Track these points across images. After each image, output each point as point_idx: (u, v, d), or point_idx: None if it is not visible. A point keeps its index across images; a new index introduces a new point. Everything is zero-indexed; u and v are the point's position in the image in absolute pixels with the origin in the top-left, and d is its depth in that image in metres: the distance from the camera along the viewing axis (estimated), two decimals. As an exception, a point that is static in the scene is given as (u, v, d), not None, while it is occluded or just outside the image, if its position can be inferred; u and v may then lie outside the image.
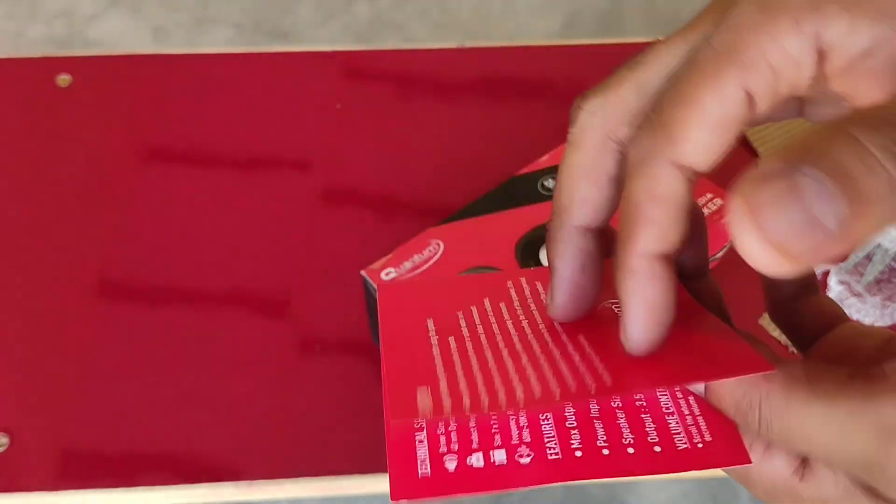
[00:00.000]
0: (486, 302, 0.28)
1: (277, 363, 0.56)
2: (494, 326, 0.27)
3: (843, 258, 0.23)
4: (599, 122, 0.24)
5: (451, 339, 0.26)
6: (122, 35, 1.44)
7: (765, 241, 0.17)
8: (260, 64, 0.69)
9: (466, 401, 0.24)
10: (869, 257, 0.59)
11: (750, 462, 0.23)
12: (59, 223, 0.61)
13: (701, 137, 0.21)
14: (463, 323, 0.27)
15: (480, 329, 0.27)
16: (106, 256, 0.60)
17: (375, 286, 0.48)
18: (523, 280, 0.29)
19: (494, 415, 0.24)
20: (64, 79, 0.67)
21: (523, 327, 0.27)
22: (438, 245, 0.49)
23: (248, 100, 0.67)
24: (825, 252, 0.17)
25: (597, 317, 0.27)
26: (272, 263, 0.60)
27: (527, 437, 0.24)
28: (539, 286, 0.29)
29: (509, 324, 0.27)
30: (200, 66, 0.69)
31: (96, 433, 0.53)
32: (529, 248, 0.49)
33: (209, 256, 0.60)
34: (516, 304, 0.28)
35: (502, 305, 0.28)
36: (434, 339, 0.26)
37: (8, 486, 0.52)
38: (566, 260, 0.25)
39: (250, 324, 0.57)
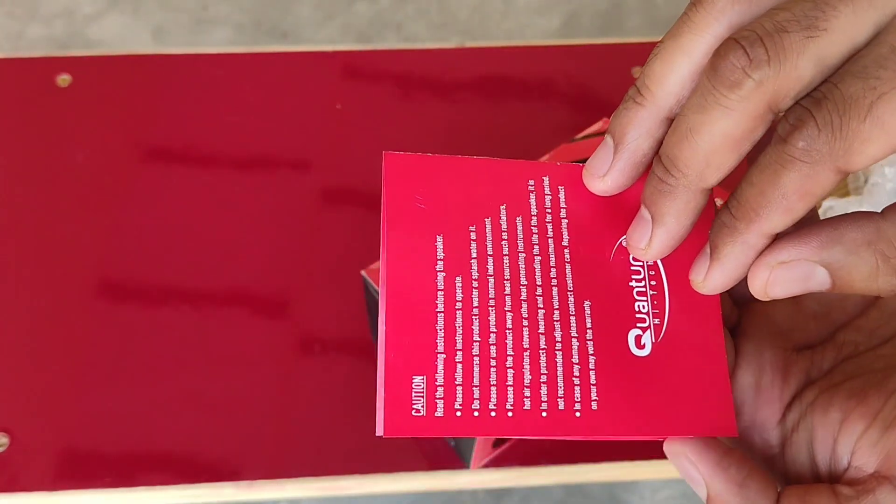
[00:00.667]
0: (503, 212, 0.27)
1: (277, 363, 0.56)
2: (506, 262, 0.27)
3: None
4: (767, 97, 0.22)
5: (459, 282, 0.26)
6: (121, 35, 1.44)
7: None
8: (260, 64, 0.69)
9: (458, 401, 0.24)
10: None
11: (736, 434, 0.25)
12: (58, 223, 0.61)
13: (878, 155, 0.21)
14: (474, 249, 0.27)
15: (490, 267, 0.26)
16: (106, 256, 0.60)
17: (376, 286, 0.48)
18: (546, 181, 0.28)
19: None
20: (64, 79, 0.67)
21: (534, 269, 0.27)
22: None
23: (248, 100, 0.67)
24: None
25: (609, 274, 0.27)
26: (272, 263, 0.60)
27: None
28: (562, 193, 0.28)
29: (521, 259, 0.27)
30: (200, 66, 0.69)
31: (96, 433, 0.53)
32: None
33: (209, 256, 0.60)
34: (534, 222, 0.27)
35: (518, 221, 0.27)
36: (440, 279, 0.26)
37: (8, 486, 0.52)
38: (683, 218, 0.25)
39: (250, 324, 0.57)
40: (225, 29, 1.46)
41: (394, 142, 0.65)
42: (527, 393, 0.25)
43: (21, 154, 0.64)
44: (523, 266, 0.27)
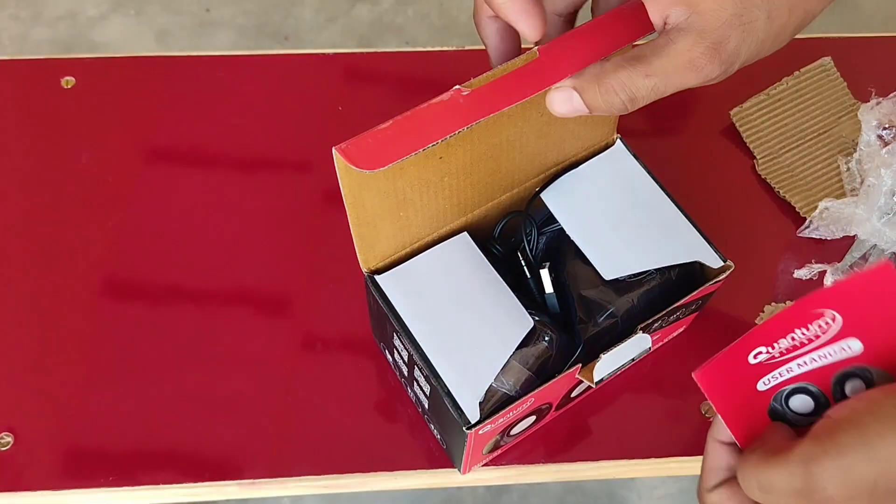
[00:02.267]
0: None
1: (280, 362, 0.56)
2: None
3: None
4: None
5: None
6: (125, 37, 1.45)
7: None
8: (262, 66, 0.69)
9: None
10: (865, 258, 0.59)
11: None
12: (62, 223, 0.61)
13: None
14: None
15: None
16: (109, 256, 0.60)
17: (378, 287, 0.48)
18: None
19: None
20: (68, 80, 0.67)
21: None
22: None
23: (250, 102, 0.67)
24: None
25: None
26: (274, 263, 0.60)
27: None
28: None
29: None
30: (203, 68, 0.69)
31: (100, 432, 0.54)
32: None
33: (212, 256, 0.60)
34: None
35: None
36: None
37: (12, 485, 0.52)
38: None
39: (253, 323, 0.58)
40: (227, 32, 1.47)
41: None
42: None
43: (26, 155, 0.64)
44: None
